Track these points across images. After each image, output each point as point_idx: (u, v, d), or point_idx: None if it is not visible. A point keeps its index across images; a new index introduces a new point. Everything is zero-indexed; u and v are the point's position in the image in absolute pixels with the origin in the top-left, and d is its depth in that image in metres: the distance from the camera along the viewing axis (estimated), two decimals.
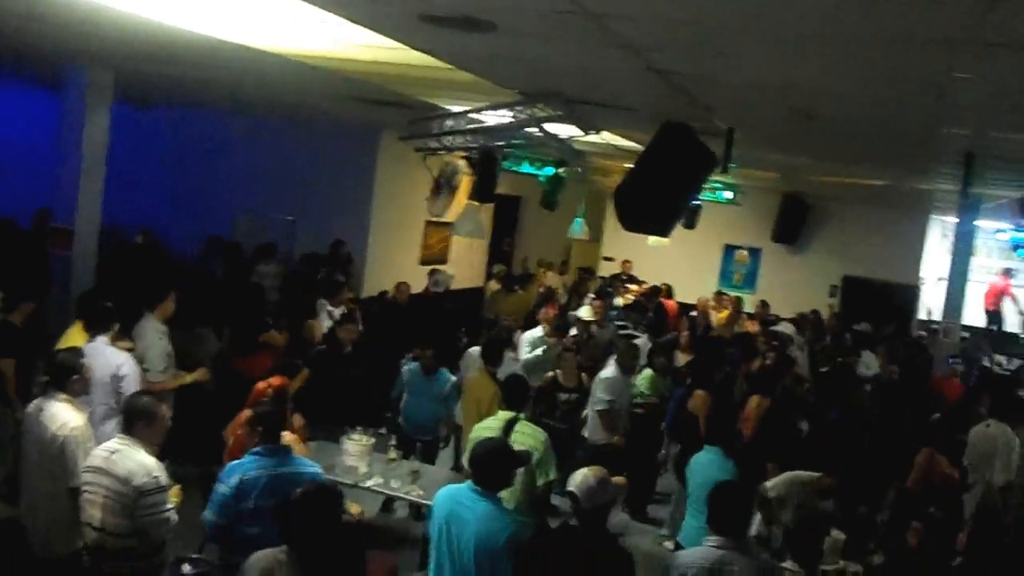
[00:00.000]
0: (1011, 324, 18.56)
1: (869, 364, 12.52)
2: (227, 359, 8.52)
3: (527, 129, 7.91)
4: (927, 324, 16.92)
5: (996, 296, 18.57)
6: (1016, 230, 15.14)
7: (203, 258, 13.12)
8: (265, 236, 13.20)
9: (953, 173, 8.02)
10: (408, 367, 8.62)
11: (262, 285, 11.80)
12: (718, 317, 14.46)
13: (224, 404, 6.75)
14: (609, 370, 8.85)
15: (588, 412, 8.86)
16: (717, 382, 9.30)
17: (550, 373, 9.21)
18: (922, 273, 17.41)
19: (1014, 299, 18.55)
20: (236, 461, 5.09)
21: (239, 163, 13.72)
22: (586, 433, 8.83)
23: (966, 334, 15.73)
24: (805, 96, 5.74)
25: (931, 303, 17.03)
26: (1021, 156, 7.23)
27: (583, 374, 9.23)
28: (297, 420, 6.45)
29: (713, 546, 4.40)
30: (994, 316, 18.62)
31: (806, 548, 6.28)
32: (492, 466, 4.72)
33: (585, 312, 12.12)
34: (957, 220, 15.05)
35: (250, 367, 7.66)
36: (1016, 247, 16.00)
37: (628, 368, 8.93)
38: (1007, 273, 18.59)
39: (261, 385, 6.27)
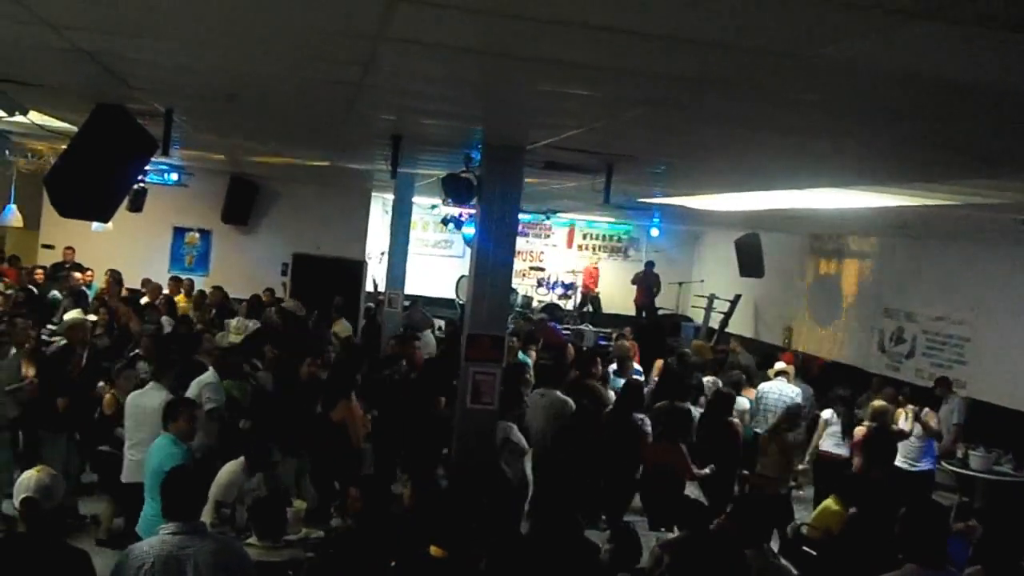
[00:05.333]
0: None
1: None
2: None
3: None
4: (374, 295, 18.07)
5: None
6: (446, 205, 16.65)
7: None
8: None
9: (384, 154, 8.65)
10: None
11: None
12: (178, 300, 14.19)
13: None
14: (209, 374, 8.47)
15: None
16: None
17: None
18: (368, 247, 18.53)
19: None
20: None
21: None
22: None
23: (407, 303, 17.09)
24: (233, 80, 5.85)
25: (377, 276, 18.19)
26: (439, 139, 8.02)
27: None
28: None
29: (168, 533, 4.38)
30: None
31: (270, 521, 6.45)
32: None
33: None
34: (394, 197, 16.29)
35: None
36: (446, 222, 17.62)
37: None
38: None
39: None
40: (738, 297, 18.08)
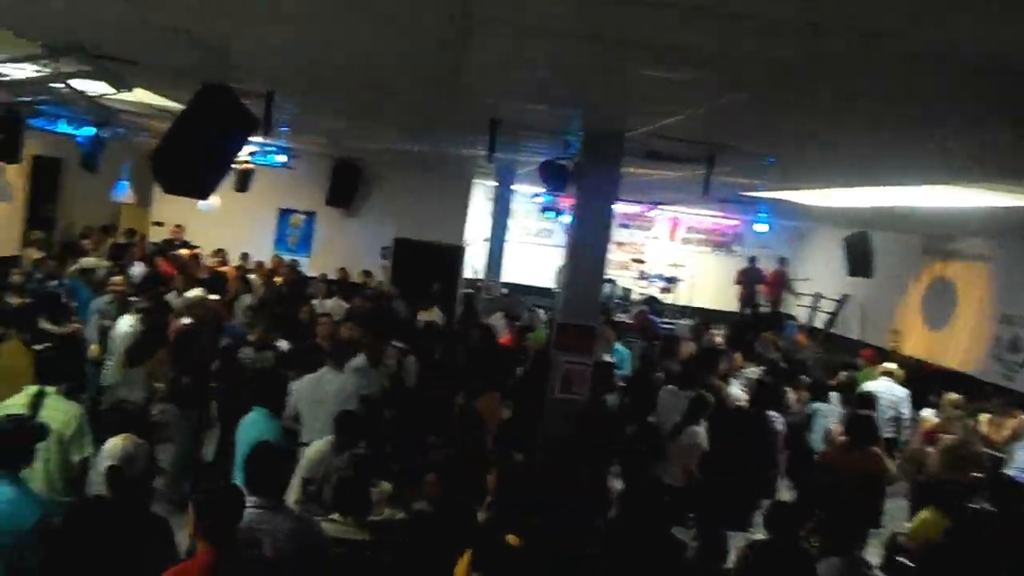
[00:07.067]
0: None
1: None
2: None
3: (52, 85, 7.37)
4: (473, 282, 18.14)
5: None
6: (547, 194, 16.64)
7: None
8: None
9: (482, 139, 8.61)
10: None
11: None
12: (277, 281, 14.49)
13: None
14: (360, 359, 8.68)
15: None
16: None
17: None
18: (467, 234, 18.59)
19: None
20: None
21: None
22: None
23: (505, 291, 17.12)
24: (332, 60, 5.89)
25: (476, 262, 18.25)
26: (537, 124, 7.93)
27: None
28: None
29: (249, 507, 4.41)
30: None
31: (354, 500, 6.50)
32: (9, 444, 4.42)
33: None
34: (495, 184, 16.31)
35: None
36: (545, 209, 17.58)
37: None
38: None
39: None
40: (845, 297, 17.57)
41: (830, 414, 10.02)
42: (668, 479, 7.89)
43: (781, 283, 19.75)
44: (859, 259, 15.43)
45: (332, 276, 15.57)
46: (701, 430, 8.28)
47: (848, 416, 9.22)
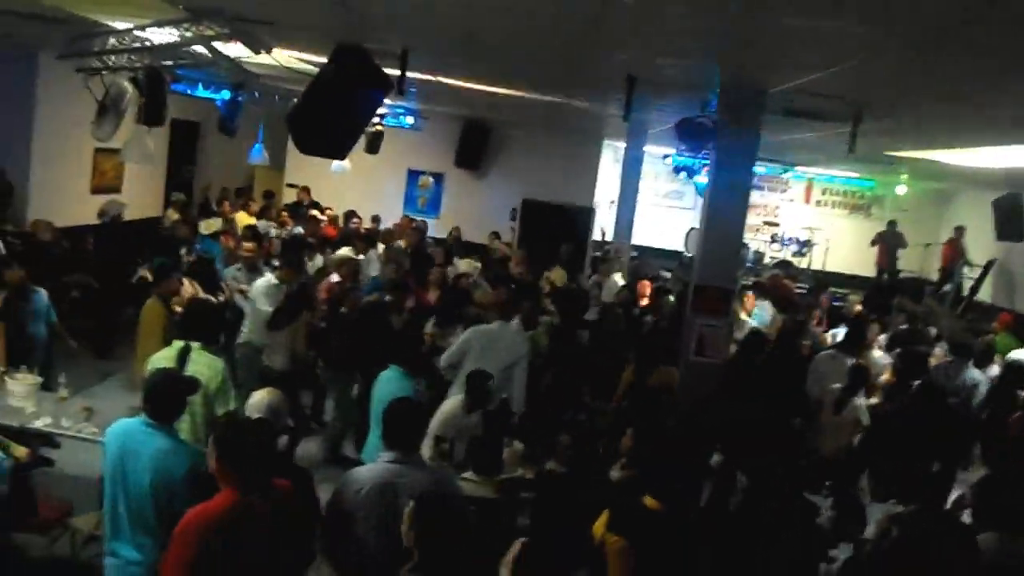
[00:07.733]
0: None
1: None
2: None
3: (195, 48, 7.54)
4: (601, 244, 17.96)
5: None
6: (678, 154, 16.27)
7: None
8: None
9: (617, 97, 8.43)
10: None
11: None
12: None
13: None
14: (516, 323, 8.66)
15: None
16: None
17: None
18: (596, 196, 18.40)
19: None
20: None
21: None
22: None
23: (635, 254, 16.88)
24: (472, 16, 5.82)
25: (605, 224, 18.05)
26: (675, 81, 7.70)
27: None
28: None
29: (387, 462, 4.47)
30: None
31: (487, 459, 6.52)
32: (162, 397, 4.56)
33: None
34: (626, 145, 16.03)
35: None
36: (678, 170, 17.19)
37: None
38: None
39: None
40: (992, 262, 16.72)
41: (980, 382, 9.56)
42: (823, 449, 7.76)
43: (957, 251, 18.71)
44: (1009, 222, 14.64)
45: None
46: (862, 403, 8.05)
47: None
